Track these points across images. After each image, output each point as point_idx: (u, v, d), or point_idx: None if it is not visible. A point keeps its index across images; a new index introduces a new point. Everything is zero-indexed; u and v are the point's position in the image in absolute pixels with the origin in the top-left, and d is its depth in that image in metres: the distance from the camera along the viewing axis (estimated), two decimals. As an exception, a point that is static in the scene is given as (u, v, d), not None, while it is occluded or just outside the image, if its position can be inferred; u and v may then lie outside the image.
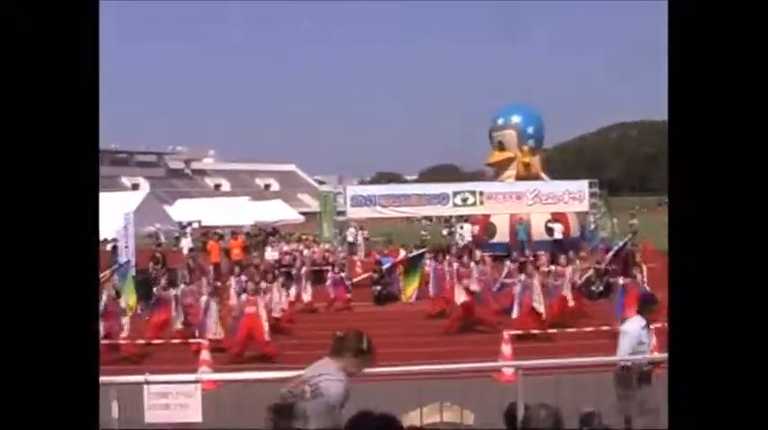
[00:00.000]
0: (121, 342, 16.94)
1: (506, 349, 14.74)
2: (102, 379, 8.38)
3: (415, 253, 26.22)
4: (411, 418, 5.39)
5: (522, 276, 19.01)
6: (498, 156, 40.20)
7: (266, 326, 16.90)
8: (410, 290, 24.99)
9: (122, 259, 22.66)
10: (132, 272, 21.29)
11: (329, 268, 24.65)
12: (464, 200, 28.82)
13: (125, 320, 17.60)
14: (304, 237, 36.68)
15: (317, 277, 27.29)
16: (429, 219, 55.90)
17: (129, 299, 19.93)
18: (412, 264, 25.51)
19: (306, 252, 31.56)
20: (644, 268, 19.27)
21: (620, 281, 18.81)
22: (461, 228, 40.41)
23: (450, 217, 43.09)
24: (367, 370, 6.38)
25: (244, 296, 17.45)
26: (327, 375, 5.65)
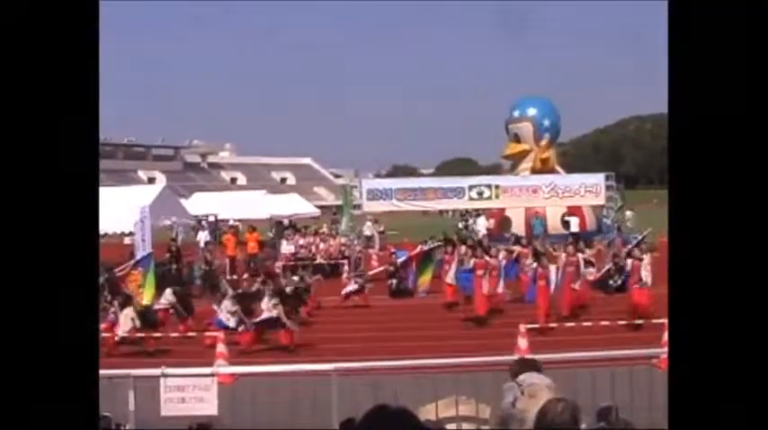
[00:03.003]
0: (139, 335, 17.03)
1: (522, 342, 14.71)
2: (119, 371, 8.46)
3: (429, 245, 26.17)
4: (427, 411, 5.38)
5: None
6: (514, 149, 40.14)
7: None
8: (422, 283, 24.95)
9: (141, 253, 22.72)
10: (152, 265, 21.35)
11: (344, 262, 24.65)
12: (480, 193, 28.64)
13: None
14: (321, 230, 36.73)
15: (333, 271, 27.37)
16: (445, 212, 55.82)
17: (148, 292, 19.95)
18: (425, 258, 25.46)
19: (322, 245, 31.62)
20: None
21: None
22: (474, 221, 40.39)
23: (466, 210, 42.98)
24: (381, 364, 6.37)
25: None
26: None
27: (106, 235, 26.20)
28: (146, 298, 19.38)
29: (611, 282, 22.59)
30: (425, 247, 26.03)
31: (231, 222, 37.79)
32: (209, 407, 7.70)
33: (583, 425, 4.35)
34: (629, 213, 35.54)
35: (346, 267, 24.31)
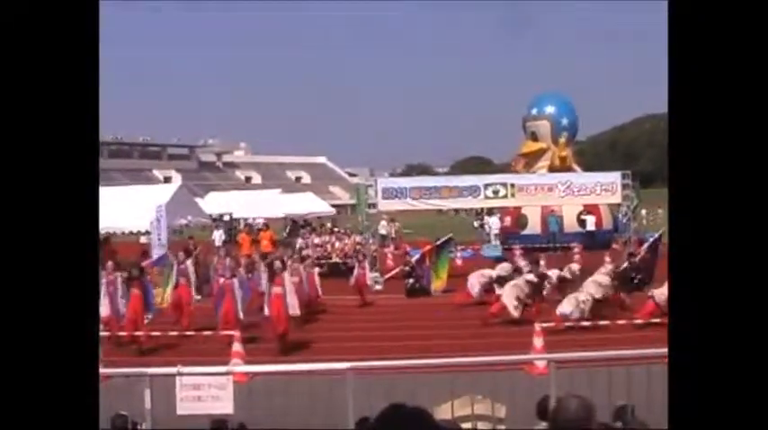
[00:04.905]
0: (156, 333, 17.09)
1: (538, 342, 14.66)
2: (135, 370, 8.50)
3: (440, 240, 26.14)
4: (442, 411, 5.39)
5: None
6: (531, 147, 39.98)
7: (292, 305, 17.00)
8: (441, 277, 24.99)
9: (156, 251, 22.79)
10: (170, 265, 21.40)
11: (358, 261, 24.57)
12: (495, 192, 28.54)
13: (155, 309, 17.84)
14: (336, 229, 36.73)
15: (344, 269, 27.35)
16: (461, 211, 55.76)
17: (167, 290, 19.97)
18: (439, 253, 25.45)
19: (337, 244, 31.63)
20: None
21: None
22: (488, 219, 40.38)
23: (482, 209, 42.93)
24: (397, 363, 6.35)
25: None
26: None
27: (123, 233, 26.34)
28: (161, 299, 19.43)
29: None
30: (436, 243, 26.01)
31: (260, 221, 37.72)
32: (225, 405, 7.72)
33: (597, 423, 4.35)
34: (659, 211, 35.40)
35: (357, 267, 24.20)
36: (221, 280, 18.32)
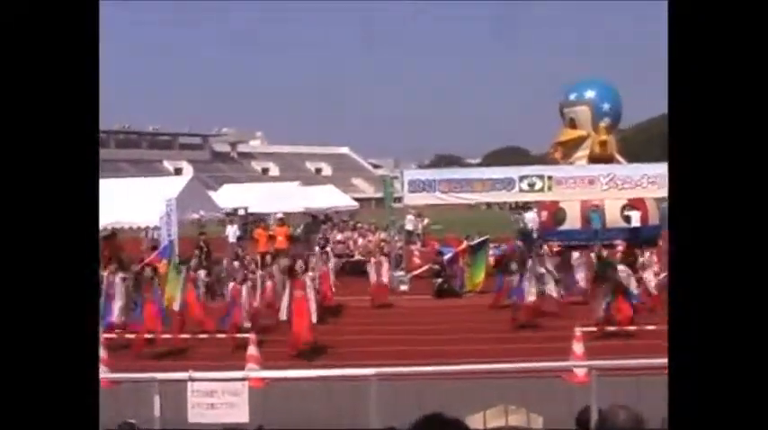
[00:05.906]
0: (166, 336, 17.17)
1: (578, 348, 14.56)
2: (143, 375, 8.54)
3: (477, 240, 26.04)
4: (475, 421, 5.35)
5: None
6: (570, 135, 39.45)
7: (314, 310, 16.96)
8: (477, 280, 24.92)
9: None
10: (176, 259, 21.47)
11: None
12: (531, 185, 28.19)
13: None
14: (359, 224, 36.73)
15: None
16: (493, 205, 55.61)
17: (172, 289, 20.00)
18: (475, 254, 25.35)
19: (360, 241, 31.63)
20: None
21: None
22: (524, 214, 40.21)
23: (516, 203, 42.67)
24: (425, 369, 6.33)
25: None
26: None
27: (131, 228, 26.51)
28: (169, 294, 19.47)
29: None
30: (472, 243, 25.86)
31: (279, 215, 37.76)
32: (239, 413, 7.73)
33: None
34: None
35: (386, 264, 24.14)
36: (231, 284, 18.45)
